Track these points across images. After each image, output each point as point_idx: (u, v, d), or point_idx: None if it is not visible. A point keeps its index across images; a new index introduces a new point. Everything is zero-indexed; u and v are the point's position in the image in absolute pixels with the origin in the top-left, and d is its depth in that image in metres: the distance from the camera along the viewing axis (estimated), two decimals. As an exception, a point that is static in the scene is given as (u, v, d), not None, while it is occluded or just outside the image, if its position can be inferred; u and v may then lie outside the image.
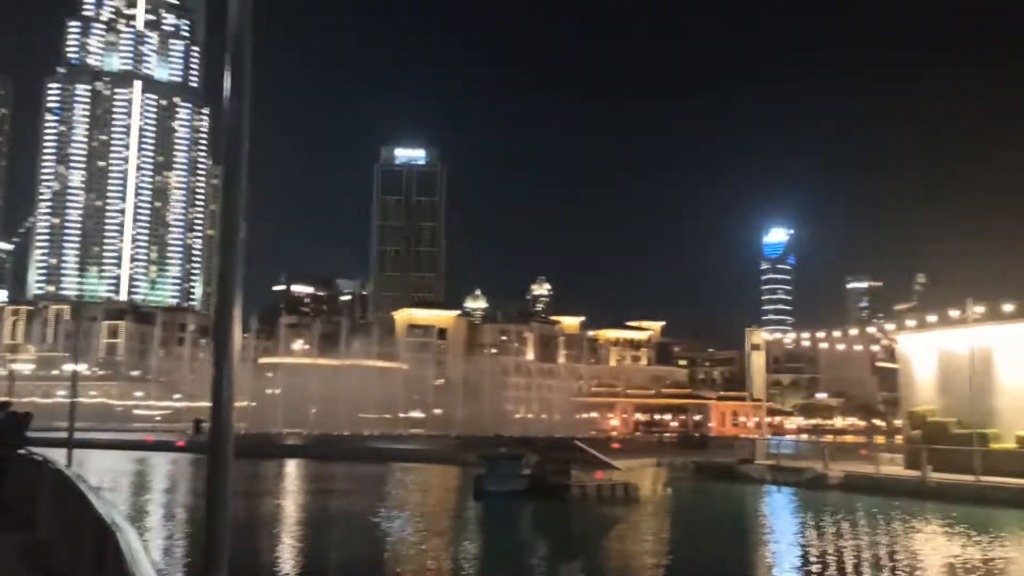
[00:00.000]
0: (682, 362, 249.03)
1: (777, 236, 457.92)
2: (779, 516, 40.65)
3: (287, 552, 28.05)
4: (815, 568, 25.02)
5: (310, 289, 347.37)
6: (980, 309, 51.88)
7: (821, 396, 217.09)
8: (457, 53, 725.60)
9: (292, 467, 66.51)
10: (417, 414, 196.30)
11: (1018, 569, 26.77)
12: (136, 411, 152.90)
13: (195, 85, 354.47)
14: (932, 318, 57.81)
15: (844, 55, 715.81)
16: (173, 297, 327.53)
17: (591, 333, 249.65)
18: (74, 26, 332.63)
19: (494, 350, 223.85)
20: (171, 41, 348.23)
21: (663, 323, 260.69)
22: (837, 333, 76.85)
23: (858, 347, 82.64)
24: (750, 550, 29.73)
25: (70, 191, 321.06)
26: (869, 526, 34.65)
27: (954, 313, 54.40)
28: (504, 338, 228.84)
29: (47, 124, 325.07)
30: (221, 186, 3.89)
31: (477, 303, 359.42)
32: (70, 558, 10.92)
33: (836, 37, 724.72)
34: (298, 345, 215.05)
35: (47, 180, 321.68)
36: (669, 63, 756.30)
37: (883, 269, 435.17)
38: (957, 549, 28.74)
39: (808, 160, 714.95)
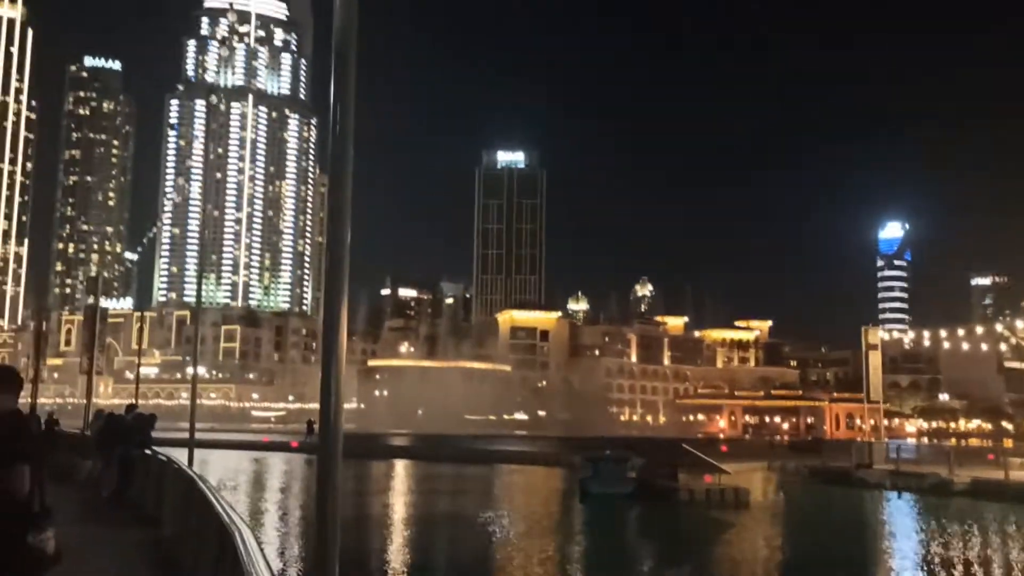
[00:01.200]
0: (793, 363, 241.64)
1: (892, 231, 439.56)
2: (901, 523, 38.77)
3: (397, 550, 28.51)
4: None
5: (414, 292, 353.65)
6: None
7: (943, 398, 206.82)
8: (558, 54, 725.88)
9: (400, 468, 67.70)
10: (521, 416, 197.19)
11: None
12: (253, 412, 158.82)
13: (303, 97, 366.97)
14: (1066, 315, 54.22)
15: (958, 36, 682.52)
16: (285, 302, 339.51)
17: (697, 333, 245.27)
18: (191, 45, 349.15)
19: (597, 352, 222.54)
20: (281, 55, 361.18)
21: (771, 323, 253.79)
22: (960, 332, 73.18)
23: (983, 346, 78.51)
24: (871, 560, 28.42)
25: (190, 202, 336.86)
26: (1000, 535, 32.68)
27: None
28: (607, 339, 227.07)
29: (168, 139, 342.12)
30: (327, 190, 3.91)
31: (579, 304, 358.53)
32: (193, 555, 11.32)
33: (950, 21, 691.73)
34: (403, 348, 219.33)
35: (169, 192, 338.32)
36: (774, 60, 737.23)
37: (1010, 264, 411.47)
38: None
39: (924, 151, 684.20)
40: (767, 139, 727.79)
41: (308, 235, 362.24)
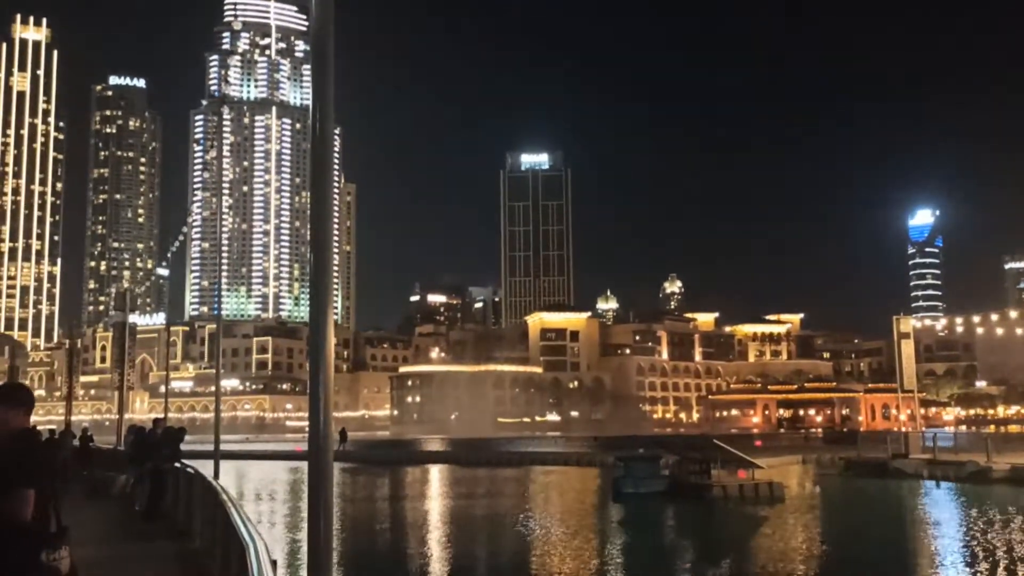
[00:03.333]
0: (825, 355, 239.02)
1: (923, 218, 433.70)
2: (940, 513, 38.12)
3: (437, 551, 28.57)
4: (982, 569, 23.27)
5: (444, 298, 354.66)
6: None
7: (980, 385, 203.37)
8: (578, 55, 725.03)
9: (435, 472, 67.83)
10: (553, 417, 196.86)
11: None
12: (287, 422, 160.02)
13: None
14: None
15: (984, 12, 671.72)
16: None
17: (727, 329, 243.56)
18: (214, 60, 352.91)
19: (627, 350, 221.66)
20: (303, 67, 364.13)
21: (802, 315, 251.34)
22: (995, 317, 71.92)
23: (1020, 331, 77.06)
24: (913, 551, 27.96)
25: (219, 216, 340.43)
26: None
27: None
28: (637, 338, 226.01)
29: (194, 154, 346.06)
30: (309, 183, 3.86)
31: (608, 304, 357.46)
32: (220, 567, 11.40)
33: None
34: (434, 353, 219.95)
35: (196, 207, 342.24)
36: (800, 46, 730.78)
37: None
38: None
39: (953, 135, 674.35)
40: (795, 132, 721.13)
41: (336, 244, 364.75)
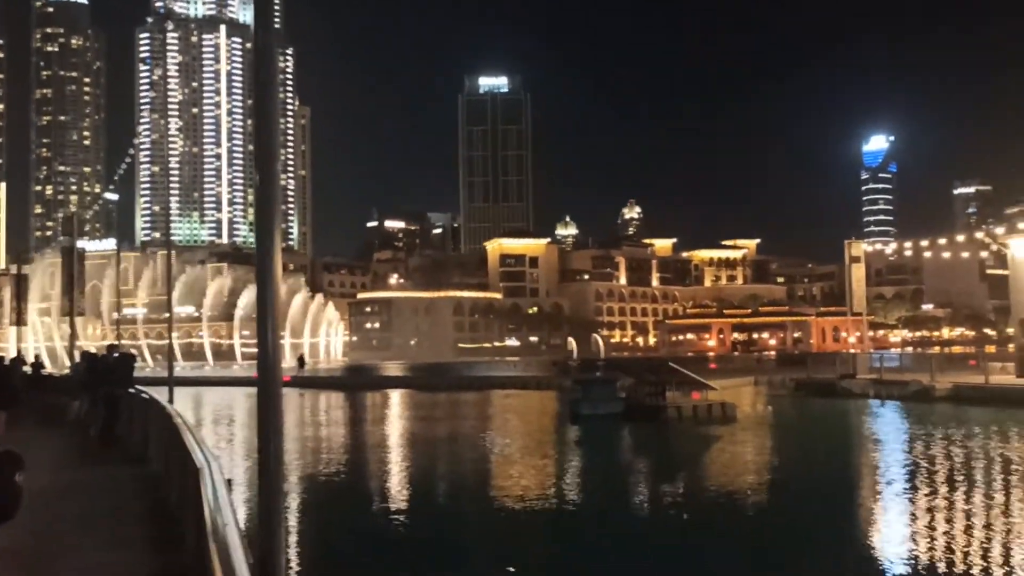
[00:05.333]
0: (780, 279, 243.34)
1: (877, 144, 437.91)
2: (884, 429, 39.60)
3: (399, 469, 29.03)
4: (923, 479, 24.31)
5: (402, 224, 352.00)
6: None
7: (927, 308, 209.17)
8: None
9: (396, 397, 68.38)
10: (513, 342, 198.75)
11: None
12: (244, 349, 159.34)
13: (277, 26, 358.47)
14: (1048, 220, 54.58)
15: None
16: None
17: (684, 254, 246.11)
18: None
19: (586, 276, 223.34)
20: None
21: (758, 241, 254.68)
22: (942, 241, 73.42)
23: (965, 255, 78.90)
24: (857, 464, 29.10)
25: (168, 139, 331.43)
26: (981, 438, 33.43)
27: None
28: (595, 264, 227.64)
29: (140, 74, 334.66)
30: (253, 111, 3.73)
31: (567, 230, 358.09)
32: (177, 491, 11.43)
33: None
34: (393, 280, 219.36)
35: (145, 129, 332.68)
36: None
37: (994, 172, 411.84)
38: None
39: (907, 62, 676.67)
40: (750, 57, 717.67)
41: (291, 169, 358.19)
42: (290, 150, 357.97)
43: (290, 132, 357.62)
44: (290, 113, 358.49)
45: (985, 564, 15.17)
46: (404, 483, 26.54)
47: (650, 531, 18.75)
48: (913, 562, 15.30)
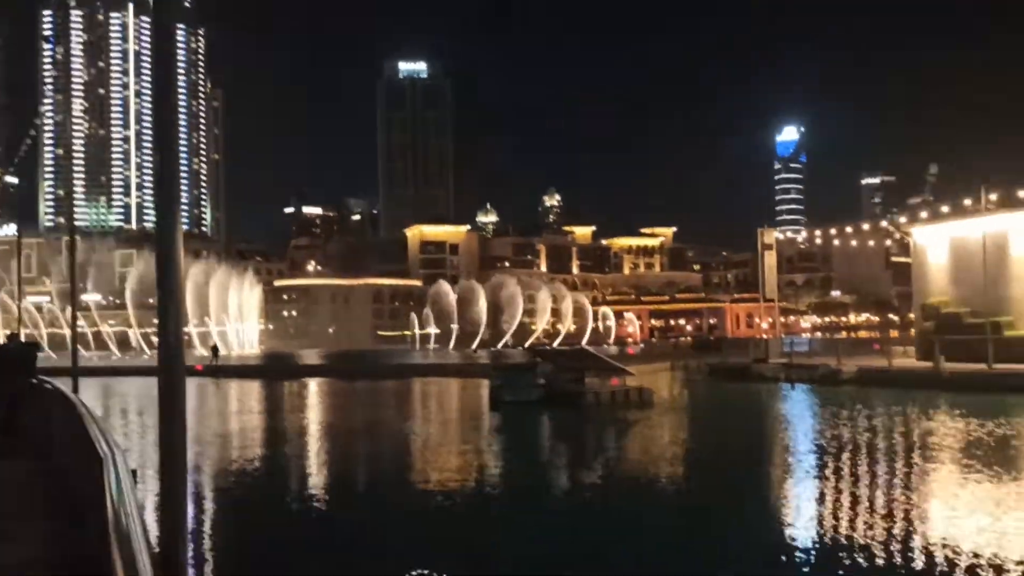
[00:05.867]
0: (696, 267, 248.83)
1: (789, 134, 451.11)
2: (793, 411, 41.11)
3: (316, 459, 28.67)
4: (830, 456, 25.38)
5: (320, 210, 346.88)
6: (994, 197, 51.26)
7: (835, 294, 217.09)
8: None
9: (313, 385, 67.43)
10: (433, 330, 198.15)
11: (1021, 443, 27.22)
12: (154, 338, 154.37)
13: (188, 5, 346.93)
14: (945, 208, 57.28)
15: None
16: (183, 223, 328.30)
17: (604, 242, 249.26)
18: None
19: (507, 263, 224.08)
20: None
21: (675, 229, 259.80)
22: (849, 229, 76.26)
23: (871, 243, 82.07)
24: (767, 443, 30.17)
25: (72, 121, 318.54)
26: (882, 417, 34.98)
27: (967, 202, 53.76)
28: (516, 251, 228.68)
29: (43, 53, 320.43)
30: (153, 90, 3.61)
31: (488, 217, 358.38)
32: (81, 479, 11.07)
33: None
34: (311, 267, 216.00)
35: (48, 110, 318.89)
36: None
37: (897, 164, 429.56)
38: (966, 431, 29.14)
39: (820, 55, 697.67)
40: (669, 49, 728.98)
41: (203, 153, 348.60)
42: (202, 134, 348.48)
43: (202, 115, 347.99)
44: (202, 95, 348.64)
45: (887, 526, 16.00)
46: (320, 473, 26.27)
47: (568, 513, 19.01)
48: (822, 531, 15.97)
